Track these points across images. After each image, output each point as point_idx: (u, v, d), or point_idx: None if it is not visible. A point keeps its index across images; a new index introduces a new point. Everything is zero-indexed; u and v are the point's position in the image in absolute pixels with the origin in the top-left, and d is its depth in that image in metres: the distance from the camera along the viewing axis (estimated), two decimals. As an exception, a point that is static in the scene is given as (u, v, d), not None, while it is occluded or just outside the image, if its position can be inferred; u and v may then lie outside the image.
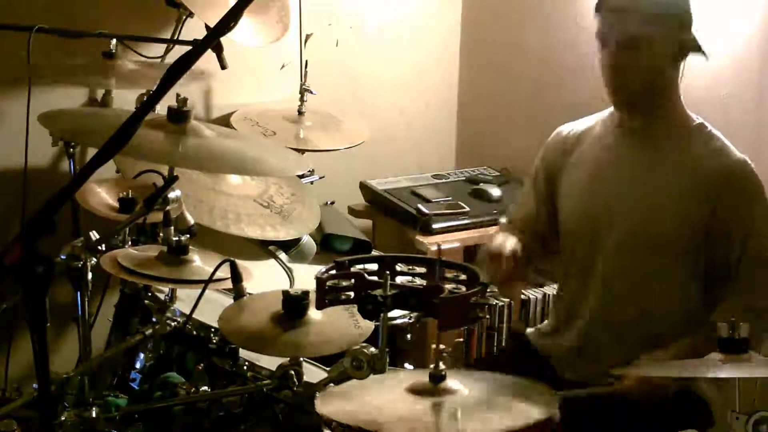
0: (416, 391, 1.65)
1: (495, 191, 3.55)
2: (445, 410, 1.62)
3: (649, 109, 2.39)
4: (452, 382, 1.66)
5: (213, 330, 2.22)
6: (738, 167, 2.35)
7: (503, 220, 2.71)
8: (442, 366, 1.65)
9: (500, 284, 2.44)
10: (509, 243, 2.41)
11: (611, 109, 2.49)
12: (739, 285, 2.33)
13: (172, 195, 2.07)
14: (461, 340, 1.71)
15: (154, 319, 2.26)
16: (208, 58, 2.51)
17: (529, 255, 2.48)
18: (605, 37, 2.35)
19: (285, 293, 1.98)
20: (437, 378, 1.65)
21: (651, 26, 2.31)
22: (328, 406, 1.66)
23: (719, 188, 2.32)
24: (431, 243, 3.28)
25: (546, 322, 2.66)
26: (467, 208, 3.43)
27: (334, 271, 1.79)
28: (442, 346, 1.65)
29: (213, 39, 1.47)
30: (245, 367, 2.15)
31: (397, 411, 1.62)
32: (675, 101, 2.41)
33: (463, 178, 3.70)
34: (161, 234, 2.20)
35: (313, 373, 2.11)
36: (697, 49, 2.37)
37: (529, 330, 2.67)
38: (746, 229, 2.32)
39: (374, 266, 1.84)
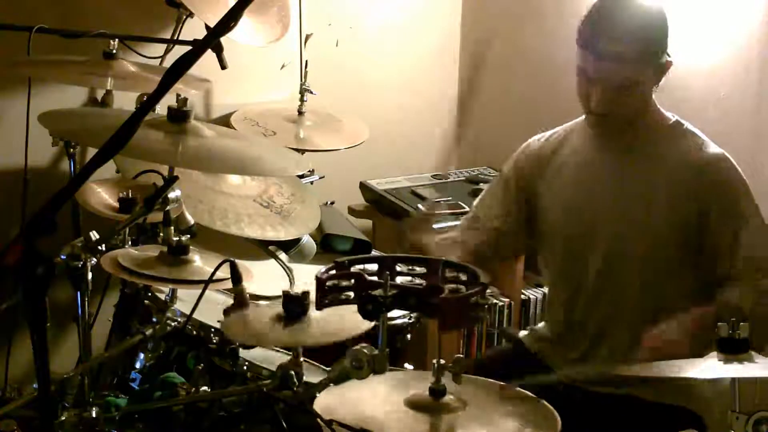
0: (415, 405, 1.66)
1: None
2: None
3: (626, 123, 2.38)
4: (452, 396, 1.67)
5: (213, 330, 2.22)
6: (716, 161, 2.34)
7: (465, 219, 2.69)
8: (442, 381, 1.66)
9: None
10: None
11: (584, 117, 2.47)
12: (735, 275, 2.31)
13: (172, 195, 2.07)
14: (461, 355, 1.71)
15: (154, 319, 2.26)
16: (208, 58, 2.51)
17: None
18: (584, 73, 2.32)
19: (285, 293, 1.98)
20: (437, 393, 1.66)
21: (629, 69, 2.27)
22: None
23: (700, 183, 2.32)
24: (431, 243, 3.28)
25: (542, 324, 2.66)
26: (467, 208, 3.43)
27: (334, 271, 1.78)
28: (442, 361, 1.66)
29: (213, 39, 1.47)
30: (245, 367, 2.15)
31: (395, 428, 1.62)
32: (650, 107, 2.40)
33: (463, 178, 3.70)
34: (161, 234, 2.20)
35: (313, 373, 2.11)
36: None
37: (522, 333, 2.66)
38: (734, 220, 2.31)
39: (374, 266, 1.83)
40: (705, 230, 2.33)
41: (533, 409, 1.70)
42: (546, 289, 3.47)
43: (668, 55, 2.34)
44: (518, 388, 1.77)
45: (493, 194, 2.62)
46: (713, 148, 2.36)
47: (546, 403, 1.72)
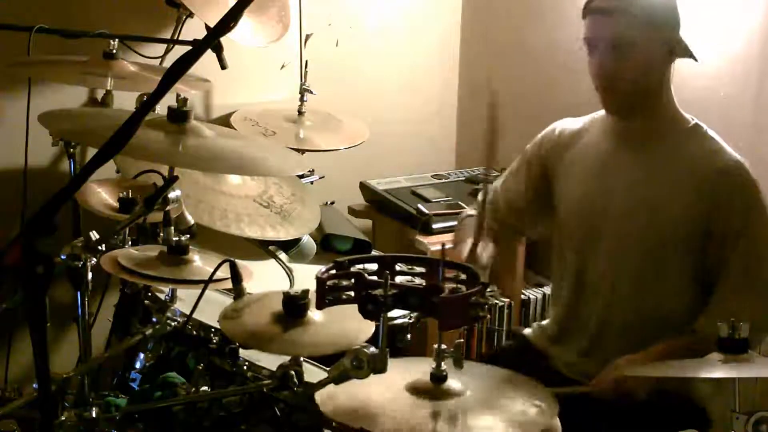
0: (416, 390, 1.66)
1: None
2: (444, 416, 1.63)
3: (641, 112, 2.38)
4: (453, 381, 1.67)
5: (213, 330, 2.22)
6: (733, 168, 2.33)
7: (479, 199, 2.69)
8: (443, 366, 1.66)
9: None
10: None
11: (603, 111, 2.49)
12: (723, 292, 2.32)
13: (172, 195, 2.07)
14: (461, 340, 1.71)
15: (154, 319, 2.26)
16: (208, 58, 2.51)
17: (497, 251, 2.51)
18: (592, 41, 2.35)
19: (285, 293, 1.98)
20: (438, 378, 1.65)
21: (637, 29, 2.29)
22: (327, 404, 1.67)
23: (714, 190, 2.31)
24: (431, 243, 3.28)
25: (546, 321, 2.66)
26: (467, 208, 3.43)
27: (333, 271, 1.79)
28: (443, 346, 1.66)
29: (213, 39, 1.47)
30: (245, 367, 2.15)
31: (396, 414, 1.62)
32: (667, 103, 2.40)
33: (463, 178, 3.70)
34: (161, 234, 2.20)
35: (313, 373, 2.11)
36: (686, 53, 2.36)
37: (527, 330, 2.66)
38: (738, 233, 2.31)
39: (374, 266, 1.83)
40: (710, 238, 2.33)
41: (533, 394, 1.71)
42: (547, 289, 3.49)
43: (681, 40, 2.34)
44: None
45: (513, 172, 2.65)
46: (731, 155, 2.35)
47: (546, 387, 1.73)
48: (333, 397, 1.66)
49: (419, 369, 1.71)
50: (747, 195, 2.33)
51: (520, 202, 2.61)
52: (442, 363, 1.68)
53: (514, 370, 1.83)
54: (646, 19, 2.30)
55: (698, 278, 2.37)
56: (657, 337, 2.34)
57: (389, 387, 1.70)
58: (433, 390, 1.66)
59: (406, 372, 1.73)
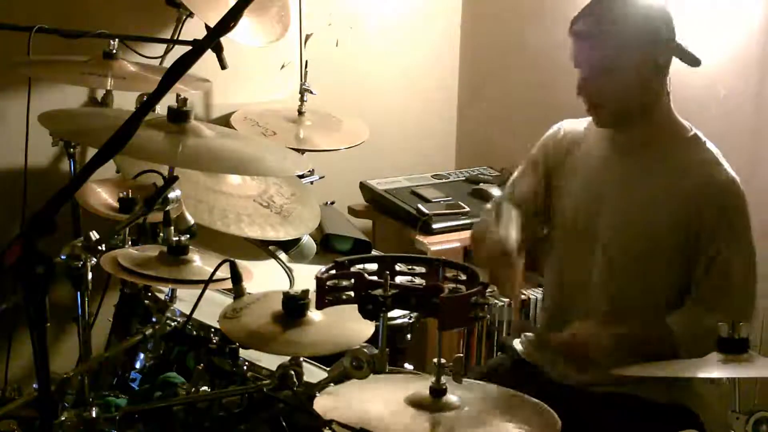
0: (416, 403, 1.66)
1: (495, 191, 3.54)
2: (444, 428, 1.63)
3: (637, 122, 2.36)
4: (452, 396, 1.67)
5: (213, 330, 2.22)
6: (725, 186, 2.31)
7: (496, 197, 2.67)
8: (443, 380, 1.66)
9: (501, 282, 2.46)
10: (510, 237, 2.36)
11: None
12: (696, 299, 2.32)
13: (172, 195, 2.07)
14: (461, 355, 1.71)
15: (154, 319, 2.26)
16: (208, 58, 2.51)
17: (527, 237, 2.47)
18: (577, 61, 2.33)
19: (285, 294, 1.98)
20: (438, 392, 1.66)
21: (622, 51, 2.27)
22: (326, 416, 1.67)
23: (703, 204, 2.29)
24: (431, 243, 3.28)
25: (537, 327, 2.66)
26: (467, 208, 3.43)
27: (333, 271, 1.79)
28: (443, 360, 1.66)
29: (213, 39, 1.47)
30: (245, 367, 2.15)
31: (396, 426, 1.63)
32: (665, 111, 2.37)
33: (463, 178, 3.70)
34: (161, 234, 2.20)
35: (313, 373, 2.11)
36: (685, 57, 2.33)
37: (516, 342, 2.65)
38: (715, 257, 2.29)
39: (374, 266, 1.84)
40: (689, 248, 2.32)
41: (533, 411, 1.71)
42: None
43: (674, 47, 2.31)
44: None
45: (522, 176, 2.61)
46: (726, 172, 2.32)
47: (546, 406, 1.72)
48: (332, 411, 1.66)
49: (418, 384, 1.71)
50: (733, 218, 2.31)
51: (532, 206, 2.54)
52: (442, 377, 1.67)
53: (509, 387, 1.82)
54: (630, 42, 2.27)
55: (684, 285, 2.36)
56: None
57: (389, 400, 1.70)
58: (432, 404, 1.66)
59: (405, 386, 1.73)
